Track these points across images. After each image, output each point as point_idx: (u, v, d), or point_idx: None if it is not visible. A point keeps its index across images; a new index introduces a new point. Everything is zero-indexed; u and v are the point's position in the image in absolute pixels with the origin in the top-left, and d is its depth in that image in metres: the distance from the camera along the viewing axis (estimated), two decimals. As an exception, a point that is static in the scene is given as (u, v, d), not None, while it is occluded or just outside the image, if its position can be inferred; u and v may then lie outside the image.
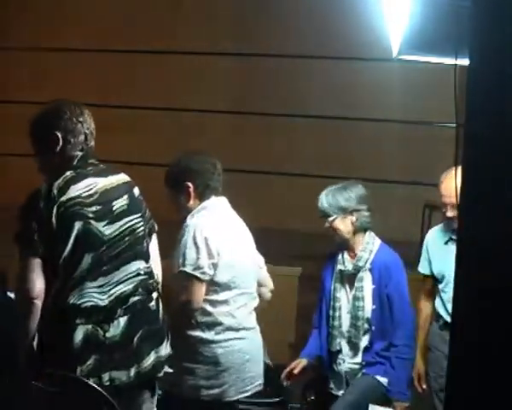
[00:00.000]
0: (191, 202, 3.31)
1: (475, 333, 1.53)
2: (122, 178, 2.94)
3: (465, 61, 1.61)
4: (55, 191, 2.74)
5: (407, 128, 7.84)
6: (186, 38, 8.40)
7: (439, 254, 3.55)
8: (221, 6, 8.75)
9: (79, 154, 2.85)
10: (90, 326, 2.72)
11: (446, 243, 3.52)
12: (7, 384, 2.85)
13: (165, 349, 2.93)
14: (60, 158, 2.85)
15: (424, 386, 3.64)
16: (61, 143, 2.84)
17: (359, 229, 3.60)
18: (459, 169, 3.18)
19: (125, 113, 7.93)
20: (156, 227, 3.09)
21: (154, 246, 3.07)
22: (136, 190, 2.97)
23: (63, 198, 2.73)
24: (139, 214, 2.92)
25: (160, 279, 3.05)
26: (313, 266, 5.09)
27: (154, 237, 3.09)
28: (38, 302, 2.70)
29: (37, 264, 2.71)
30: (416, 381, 3.64)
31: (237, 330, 3.26)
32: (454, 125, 1.79)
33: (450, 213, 3.36)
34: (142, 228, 2.92)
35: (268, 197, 8.16)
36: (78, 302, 2.71)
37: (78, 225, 2.73)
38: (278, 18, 8.32)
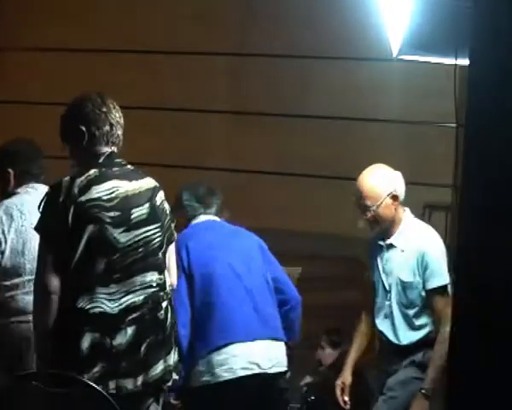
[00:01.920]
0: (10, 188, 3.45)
1: (475, 333, 1.53)
2: (147, 183, 2.85)
3: (465, 61, 1.61)
4: (76, 189, 2.69)
5: (407, 128, 7.84)
6: (185, 39, 8.40)
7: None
8: (221, 7, 8.76)
9: (106, 150, 2.81)
10: (97, 334, 2.68)
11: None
12: (8, 385, 2.85)
13: (174, 357, 2.89)
14: (86, 152, 2.81)
15: (346, 399, 3.45)
16: (86, 137, 2.80)
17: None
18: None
19: (125, 113, 7.92)
20: (175, 236, 2.99)
21: (170, 255, 2.98)
22: (159, 198, 2.87)
23: (83, 198, 2.69)
24: (157, 224, 2.82)
25: (170, 289, 2.96)
26: (313, 265, 5.10)
27: (172, 245, 2.99)
28: (55, 297, 2.67)
29: (53, 259, 2.68)
30: (338, 392, 3.47)
31: (24, 313, 3.26)
32: (454, 125, 1.80)
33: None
34: (158, 239, 2.83)
35: (268, 197, 8.15)
36: (87, 307, 2.68)
37: (92, 228, 2.68)
38: (278, 18, 8.32)
